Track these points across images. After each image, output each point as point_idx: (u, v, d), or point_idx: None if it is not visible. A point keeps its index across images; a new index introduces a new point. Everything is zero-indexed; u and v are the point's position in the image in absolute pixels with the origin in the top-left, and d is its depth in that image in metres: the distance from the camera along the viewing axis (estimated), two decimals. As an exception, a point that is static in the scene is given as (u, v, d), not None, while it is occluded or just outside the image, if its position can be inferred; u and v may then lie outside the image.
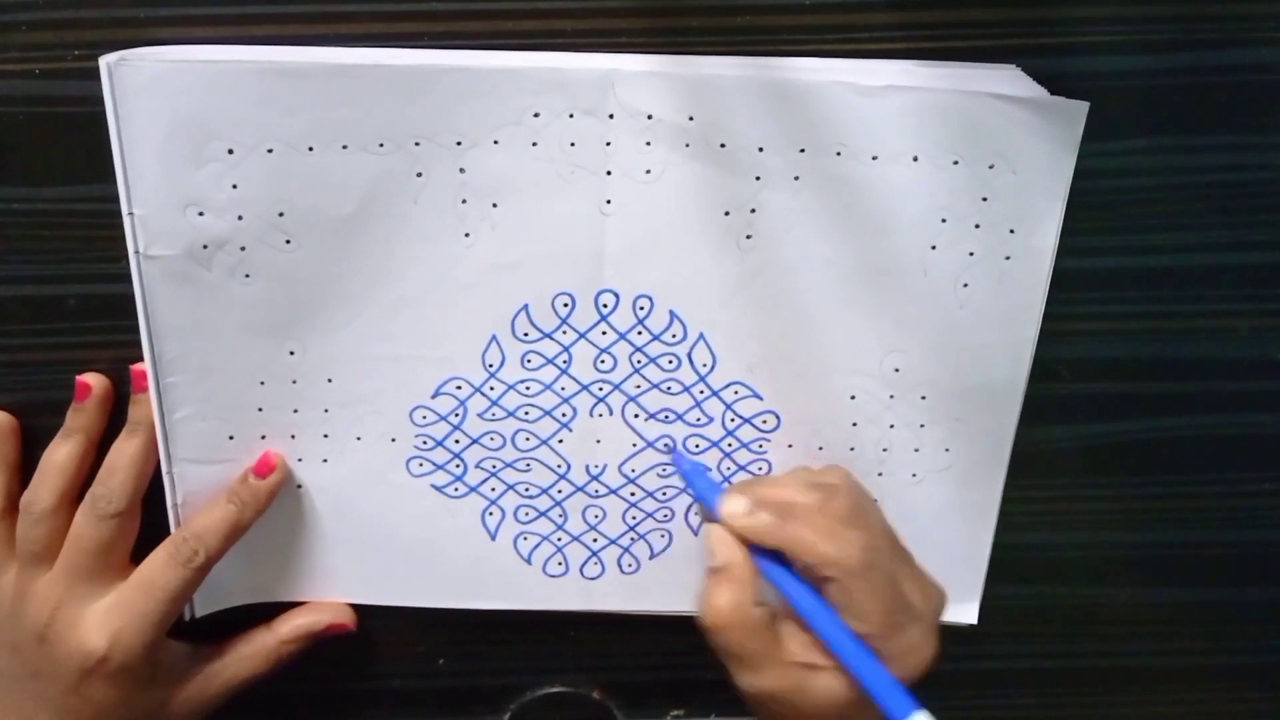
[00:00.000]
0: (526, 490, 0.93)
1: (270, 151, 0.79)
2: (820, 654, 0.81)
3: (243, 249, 0.82)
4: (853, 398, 0.90)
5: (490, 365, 0.88)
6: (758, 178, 0.83)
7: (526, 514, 0.94)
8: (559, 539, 0.95)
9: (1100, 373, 0.94)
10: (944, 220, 0.84)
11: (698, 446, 0.92)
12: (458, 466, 0.92)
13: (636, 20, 0.81)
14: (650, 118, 0.81)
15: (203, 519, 0.88)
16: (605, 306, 0.87)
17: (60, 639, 0.86)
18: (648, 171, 0.82)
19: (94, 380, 0.89)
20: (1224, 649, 1.05)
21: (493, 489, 0.93)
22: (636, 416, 0.91)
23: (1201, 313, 0.92)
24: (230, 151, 0.79)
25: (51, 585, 0.87)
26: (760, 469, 0.93)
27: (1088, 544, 1.00)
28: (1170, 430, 0.96)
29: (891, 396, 0.90)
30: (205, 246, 0.82)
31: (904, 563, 0.84)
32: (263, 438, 0.89)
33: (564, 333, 0.88)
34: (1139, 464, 0.97)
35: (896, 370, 0.89)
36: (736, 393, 0.90)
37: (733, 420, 0.91)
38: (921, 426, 0.92)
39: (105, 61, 0.76)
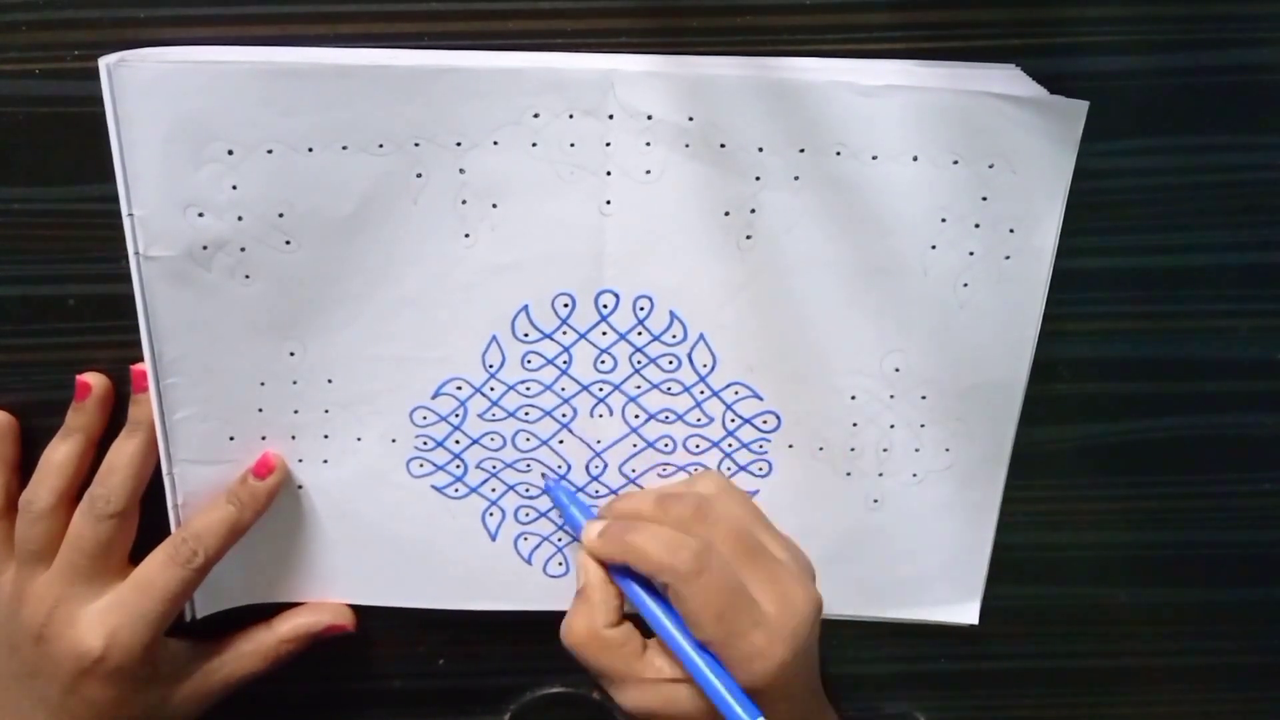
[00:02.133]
0: (527, 491, 0.93)
1: (270, 152, 0.79)
2: (680, 668, 0.83)
3: (243, 250, 0.82)
4: (853, 398, 0.90)
5: (490, 366, 0.88)
6: (757, 178, 0.83)
7: (527, 514, 0.94)
8: (559, 539, 0.95)
9: (1100, 373, 0.94)
10: (944, 220, 0.84)
11: (698, 447, 0.92)
12: (458, 467, 0.92)
13: (637, 20, 0.81)
14: (650, 118, 0.81)
15: (202, 519, 0.88)
16: (605, 307, 0.87)
17: (57, 638, 0.86)
18: (647, 172, 0.83)
19: (94, 380, 0.89)
20: (1224, 649, 1.05)
21: (493, 489, 0.93)
22: (637, 417, 0.91)
23: (1201, 313, 0.92)
24: (230, 152, 0.79)
25: (49, 585, 0.87)
26: (761, 469, 0.93)
27: (1088, 544, 1.00)
28: (1170, 430, 0.96)
29: (892, 396, 0.90)
30: (205, 247, 0.82)
31: (757, 568, 0.83)
32: (263, 438, 0.89)
33: (564, 333, 0.88)
34: (1139, 464, 0.97)
35: (897, 370, 0.89)
36: (737, 393, 0.90)
37: (733, 421, 0.91)
38: (922, 426, 0.92)
39: (105, 63, 0.76)
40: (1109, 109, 0.84)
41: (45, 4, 0.79)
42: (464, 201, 0.83)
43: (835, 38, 0.82)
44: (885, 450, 0.92)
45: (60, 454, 0.89)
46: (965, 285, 0.86)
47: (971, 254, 0.85)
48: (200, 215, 0.81)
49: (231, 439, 0.89)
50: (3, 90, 0.81)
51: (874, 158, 0.82)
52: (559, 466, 0.92)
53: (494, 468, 0.92)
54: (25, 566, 0.88)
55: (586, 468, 0.93)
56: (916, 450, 0.93)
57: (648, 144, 0.82)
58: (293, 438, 0.90)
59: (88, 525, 0.87)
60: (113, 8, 0.80)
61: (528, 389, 0.89)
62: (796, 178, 0.83)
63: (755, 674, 0.80)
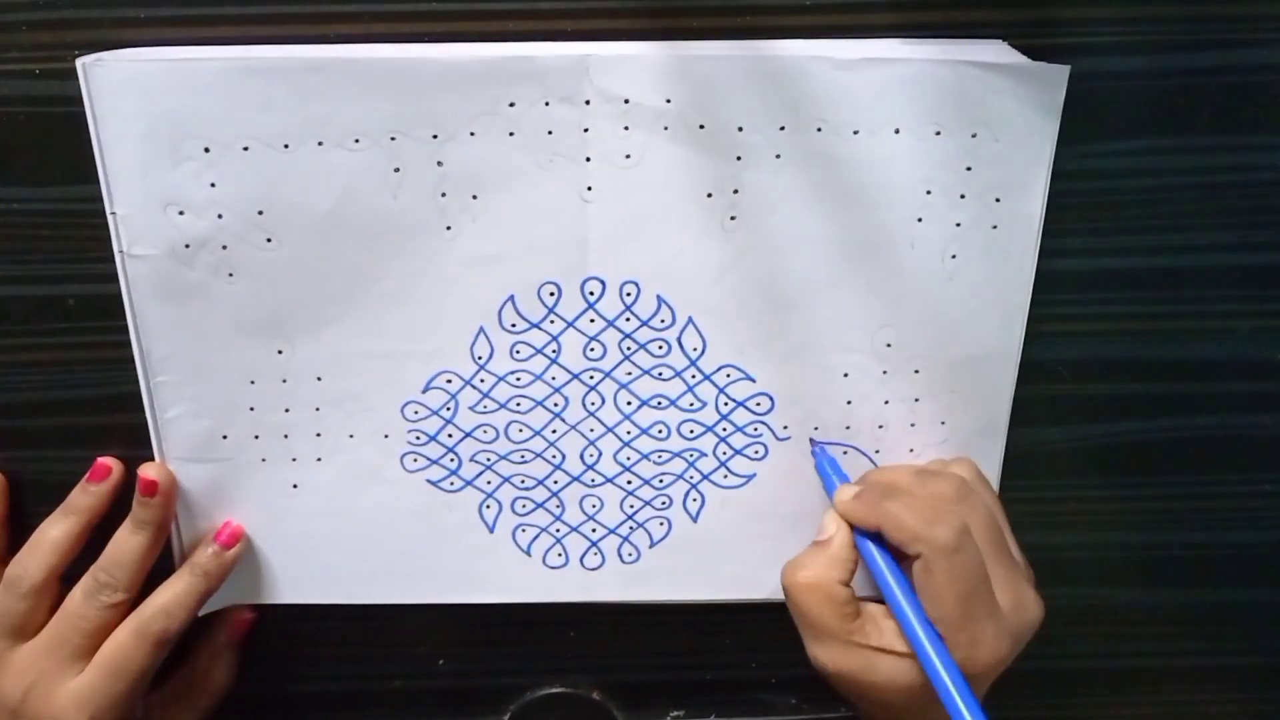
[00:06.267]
0: (523, 482, 0.93)
1: (246, 149, 0.80)
2: (895, 640, 0.82)
3: (224, 248, 0.83)
4: (846, 375, 0.90)
5: (479, 358, 0.89)
6: (739, 158, 0.83)
7: (523, 506, 0.94)
8: (558, 530, 0.95)
9: (1100, 373, 0.93)
10: (929, 192, 0.84)
11: (692, 432, 0.92)
12: (452, 461, 0.92)
13: (637, 21, 0.82)
14: (627, 102, 0.81)
15: (168, 592, 0.89)
16: (592, 294, 0.87)
17: (35, 717, 0.87)
18: (627, 156, 0.83)
19: (115, 466, 0.90)
20: (1224, 649, 1.05)
21: (489, 482, 0.93)
22: (629, 404, 0.91)
23: (1201, 313, 0.92)
24: (206, 150, 0.80)
25: (32, 659, 0.87)
26: (756, 453, 0.93)
27: (1088, 544, 1.00)
28: (1170, 430, 0.96)
29: (885, 372, 0.90)
30: (188, 246, 0.83)
31: (1001, 562, 0.84)
32: (256, 437, 0.90)
33: (551, 322, 0.88)
34: (1139, 464, 0.97)
35: (889, 345, 0.89)
36: (729, 376, 0.90)
37: (726, 404, 0.91)
38: (916, 401, 0.91)
39: (81, 62, 0.78)
40: (1109, 109, 0.84)
41: (45, 4, 0.80)
42: (443, 194, 0.83)
43: (835, 39, 0.82)
44: (881, 427, 0.92)
45: (58, 531, 0.89)
46: (953, 257, 0.86)
47: (958, 225, 0.85)
48: (181, 213, 0.82)
49: (225, 438, 0.90)
50: (3, 90, 0.82)
51: (855, 132, 0.82)
52: (553, 456, 0.92)
53: (488, 460, 0.92)
54: (4, 639, 0.88)
55: (581, 456, 0.93)
56: (912, 425, 0.92)
57: (626, 128, 0.82)
58: (285, 436, 0.90)
59: (91, 609, 0.87)
60: (113, 8, 0.80)
61: (518, 379, 0.90)
62: (778, 156, 0.83)
63: (974, 662, 0.81)
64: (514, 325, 0.88)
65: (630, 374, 0.90)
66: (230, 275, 0.84)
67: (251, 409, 0.89)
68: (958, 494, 0.84)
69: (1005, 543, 0.86)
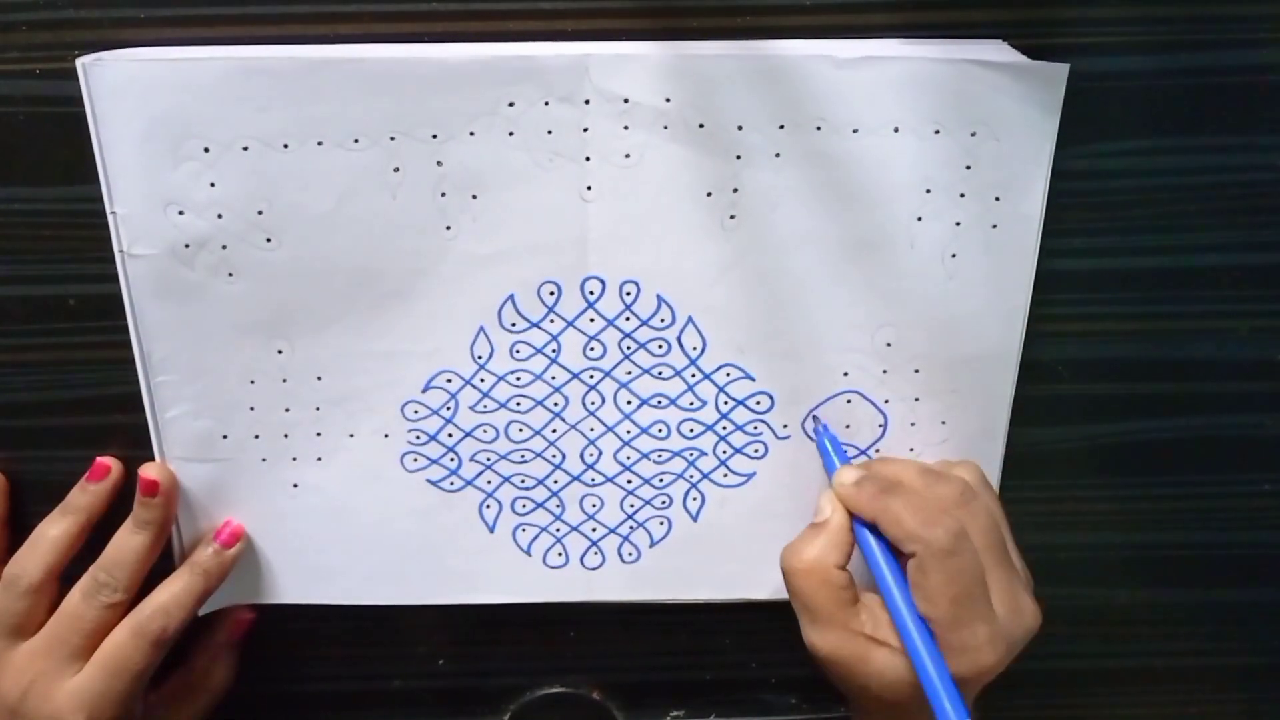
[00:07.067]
0: (523, 482, 0.93)
1: (246, 149, 0.80)
2: (890, 633, 0.82)
3: (224, 248, 0.83)
4: (846, 374, 0.90)
5: (479, 357, 0.89)
6: (738, 156, 0.83)
7: (524, 506, 0.94)
8: (558, 530, 0.95)
9: (1100, 373, 0.93)
10: (928, 191, 0.84)
11: (692, 431, 0.92)
12: (452, 460, 0.92)
13: (637, 21, 0.81)
14: (627, 101, 0.81)
15: (166, 592, 0.89)
16: (592, 293, 0.87)
17: (34, 714, 0.87)
18: (627, 155, 0.83)
19: (114, 465, 0.90)
20: (1224, 649, 1.05)
21: (489, 481, 0.93)
22: (629, 403, 0.91)
23: (1201, 313, 0.92)
24: (206, 150, 0.80)
25: (31, 658, 0.87)
26: (756, 451, 0.93)
27: (1088, 544, 1.00)
28: (1170, 430, 0.96)
29: (885, 371, 0.90)
30: (187, 245, 0.83)
31: (1000, 568, 0.83)
32: (256, 437, 0.90)
33: (551, 321, 0.88)
34: (1139, 464, 0.97)
35: (889, 345, 0.89)
36: (729, 375, 0.90)
37: (726, 403, 0.91)
38: (917, 400, 0.91)
39: (81, 62, 0.78)
40: (1109, 109, 0.84)
41: (45, 4, 0.80)
42: (443, 194, 0.83)
43: (835, 40, 0.82)
44: (881, 426, 0.92)
45: (57, 530, 0.89)
46: (954, 256, 0.86)
47: (958, 224, 0.85)
48: (180, 213, 0.82)
49: (225, 437, 0.90)
50: (3, 90, 0.82)
51: (855, 131, 0.82)
52: (553, 456, 0.92)
53: (488, 460, 0.92)
54: (2, 638, 0.88)
55: (581, 456, 0.93)
56: (912, 424, 0.92)
57: (626, 128, 0.82)
58: (285, 436, 0.90)
59: (90, 609, 0.87)
60: (113, 8, 0.80)
61: (518, 379, 0.90)
62: (778, 155, 0.83)
63: (964, 666, 0.80)
64: (514, 325, 0.88)
65: (630, 373, 0.90)
66: (230, 275, 0.84)
67: (252, 409, 0.89)
68: (960, 497, 0.84)
69: (1005, 549, 0.85)
